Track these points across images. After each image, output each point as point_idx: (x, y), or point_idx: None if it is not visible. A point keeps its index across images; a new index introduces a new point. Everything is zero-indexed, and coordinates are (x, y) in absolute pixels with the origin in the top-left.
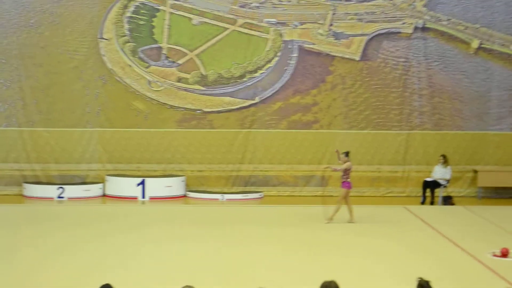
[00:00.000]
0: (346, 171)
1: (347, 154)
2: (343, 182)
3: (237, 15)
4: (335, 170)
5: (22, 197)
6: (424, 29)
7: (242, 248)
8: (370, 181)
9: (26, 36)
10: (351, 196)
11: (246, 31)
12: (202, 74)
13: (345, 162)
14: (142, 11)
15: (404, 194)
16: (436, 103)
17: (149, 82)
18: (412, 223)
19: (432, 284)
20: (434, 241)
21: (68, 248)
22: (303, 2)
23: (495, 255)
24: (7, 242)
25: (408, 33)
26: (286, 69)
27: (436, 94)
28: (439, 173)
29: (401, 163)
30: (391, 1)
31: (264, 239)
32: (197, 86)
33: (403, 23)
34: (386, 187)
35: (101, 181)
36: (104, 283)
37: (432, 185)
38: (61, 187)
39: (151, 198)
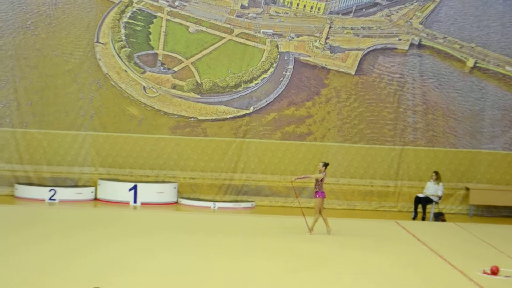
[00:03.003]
0: (318, 182)
1: (325, 165)
2: (316, 192)
3: (234, 25)
4: (305, 177)
5: (13, 198)
6: (420, 46)
7: (231, 258)
8: (362, 195)
9: (22, 38)
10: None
11: (242, 41)
12: (197, 82)
13: (320, 172)
14: (139, 17)
15: (395, 209)
16: (430, 120)
17: (144, 88)
18: (403, 238)
19: None
20: (424, 256)
21: (60, 254)
22: (300, 14)
23: (485, 273)
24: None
25: (404, 50)
26: (281, 80)
27: (430, 111)
28: (431, 189)
29: (393, 178)
30: (388, 17)
31: (254, 249)
32: (191, 94)
33: (399, 39)
34: (378, 201)
35: (93, 184)
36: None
37: (424, 201)
38: (52, 189)
39: (143, 203)
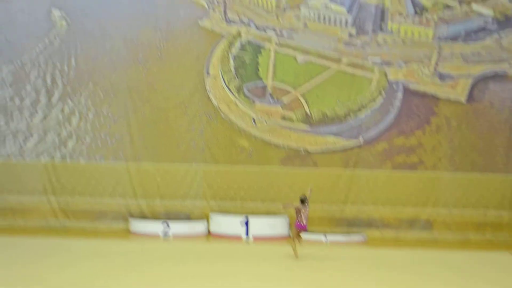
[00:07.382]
0: (297, 212)
1: (301, 200)
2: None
3: (341, 54)
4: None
5: (128, 232)
6: None
7: None
8: (475, 225)
9: (133, 71)
10: None
11: (350, 69)
12: (306, 113)
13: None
14: (248, 48)
15: (511, 240)
16: None
17: (254, 120)
18: None
19: None
20: None
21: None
22: (408, 41)
23: None
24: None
25: None
26: (390, 109)
27: None
28: None
29: (507, 208)
30: (497, 42)
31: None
32: (301, 125)
33: (510, 65)
34: (491, 232)
35: (206, 218)
36: None
37: None
38: (165, 223)
39: (255, 237)
